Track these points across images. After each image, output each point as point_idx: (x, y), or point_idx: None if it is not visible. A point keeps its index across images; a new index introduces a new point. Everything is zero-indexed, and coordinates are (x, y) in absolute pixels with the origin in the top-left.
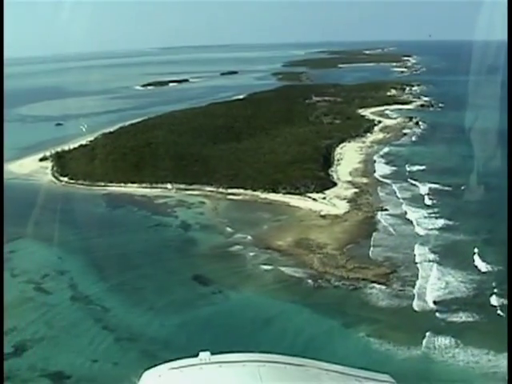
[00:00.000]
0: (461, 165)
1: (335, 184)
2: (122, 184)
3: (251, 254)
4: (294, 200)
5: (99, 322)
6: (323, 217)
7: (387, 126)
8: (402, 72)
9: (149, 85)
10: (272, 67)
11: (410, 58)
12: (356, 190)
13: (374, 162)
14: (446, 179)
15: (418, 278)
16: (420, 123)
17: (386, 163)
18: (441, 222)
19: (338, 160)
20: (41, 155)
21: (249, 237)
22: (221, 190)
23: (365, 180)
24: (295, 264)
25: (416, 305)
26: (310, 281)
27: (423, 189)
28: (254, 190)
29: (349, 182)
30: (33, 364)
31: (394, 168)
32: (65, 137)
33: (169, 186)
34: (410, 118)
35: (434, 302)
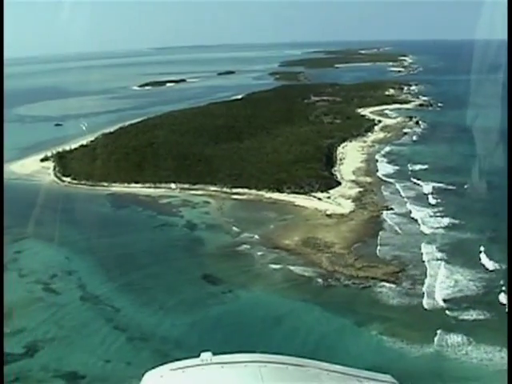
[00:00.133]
0: (463, 164)
1: (339, 183)
2: (126, 184)
3: (259, 253)
4: (299, 199)
5: (110, 321)
6: (329, 216)
7: (387, 125)
8: (399, 72)
9: (146, 85)
10: (269, 67)
11: (406, 58)
12: (360, 189)
13: (377, 161)
14: (449, 178)
15: (426, 277)
16: (420, 122)
17: (389, 162)
18: (446, 221)
19: (341, 159)
20: (42, 155)
21: (256, 236)
22: (225, 189)
23: (368, 179)
24: (304, 263)
25: (426, 303)
26: (319, 280)
27: (427, 188)
28: (259, 190)
29: (352, 181)
30: (45, 364)
31: (396, 167)
32: (64, 137)
33: (172, 185)
34: (410, 118)
35: (444, 300)
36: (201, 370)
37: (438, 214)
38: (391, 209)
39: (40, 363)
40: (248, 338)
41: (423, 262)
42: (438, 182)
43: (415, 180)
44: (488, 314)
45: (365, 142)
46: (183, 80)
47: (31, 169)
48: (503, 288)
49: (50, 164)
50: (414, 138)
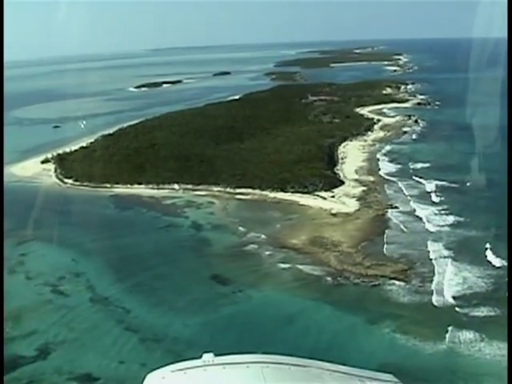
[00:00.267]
0: (464, 161)
1: (342, 182)
2: (129, 185)
3: (267, 252)
4: (304, 199)
5: (121, 323)
6: (334, 215)
7: (387, 124)
8: (395, 71)
9: (142, 86)
10: (264, 67)
11: (401, 57)
12: (364, 188)
13: (378, 160)
14: (451, 176)
15: (434, 274)
16: (419, 121)
17: (390, 161)
18: (450, 219)
19: (343, 158)
20: (42, 158)
21: (263, 236)
22: (229, 189)
23: (371, 178)
24: (312, 262)
25: (435, 300)
26: (328, 278)
27: (429, 186)
28: (263, 190)
29: (355, 180)
30: (59, 367)
31: (398, 166)
32: (63, 139)
33: (176, 186)
34: (409, 116)
35: (453, 298)
36: (203, 370)
37: (443, 212)
38: (396, 207)
39: (53, 366)
40: (261, 338)
41: (430, 259)
42: (441, 180)
43: (417, 178)
44: (498, 310)
45: (365, 141)
46: (179, 81)
47: (32, 171)
48: None
49: (51, 166)
50: (414, 136)
